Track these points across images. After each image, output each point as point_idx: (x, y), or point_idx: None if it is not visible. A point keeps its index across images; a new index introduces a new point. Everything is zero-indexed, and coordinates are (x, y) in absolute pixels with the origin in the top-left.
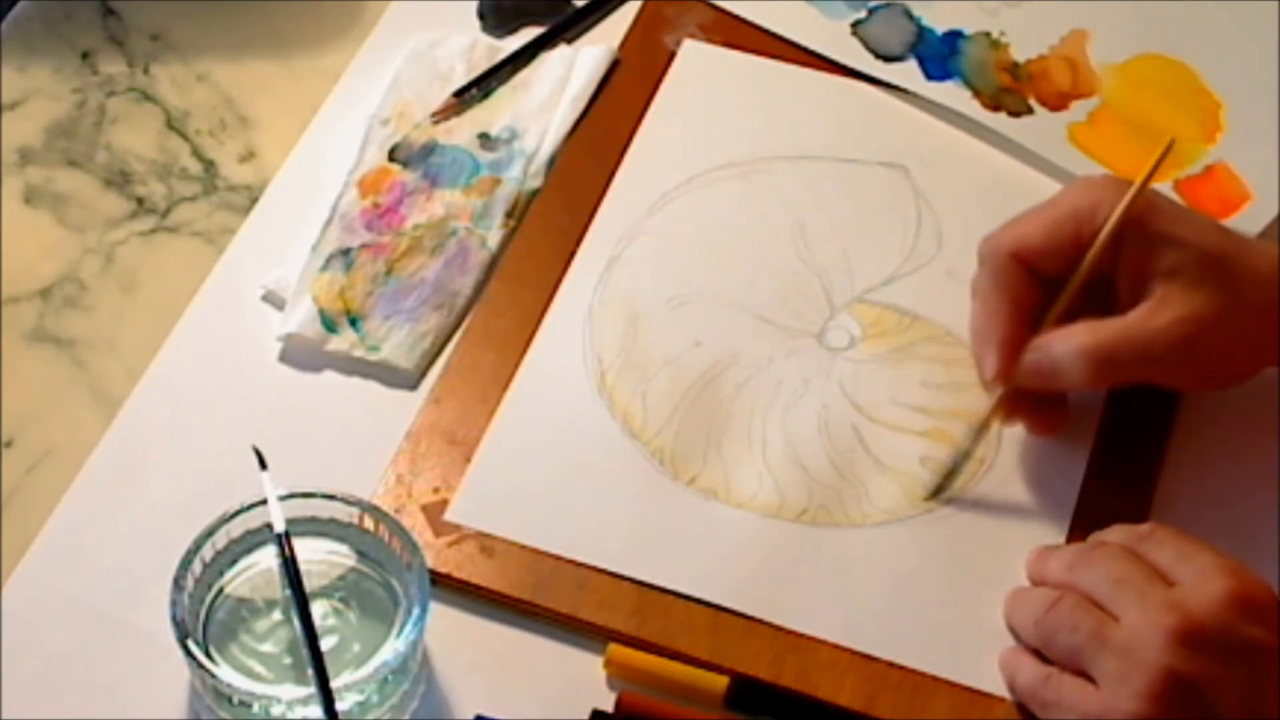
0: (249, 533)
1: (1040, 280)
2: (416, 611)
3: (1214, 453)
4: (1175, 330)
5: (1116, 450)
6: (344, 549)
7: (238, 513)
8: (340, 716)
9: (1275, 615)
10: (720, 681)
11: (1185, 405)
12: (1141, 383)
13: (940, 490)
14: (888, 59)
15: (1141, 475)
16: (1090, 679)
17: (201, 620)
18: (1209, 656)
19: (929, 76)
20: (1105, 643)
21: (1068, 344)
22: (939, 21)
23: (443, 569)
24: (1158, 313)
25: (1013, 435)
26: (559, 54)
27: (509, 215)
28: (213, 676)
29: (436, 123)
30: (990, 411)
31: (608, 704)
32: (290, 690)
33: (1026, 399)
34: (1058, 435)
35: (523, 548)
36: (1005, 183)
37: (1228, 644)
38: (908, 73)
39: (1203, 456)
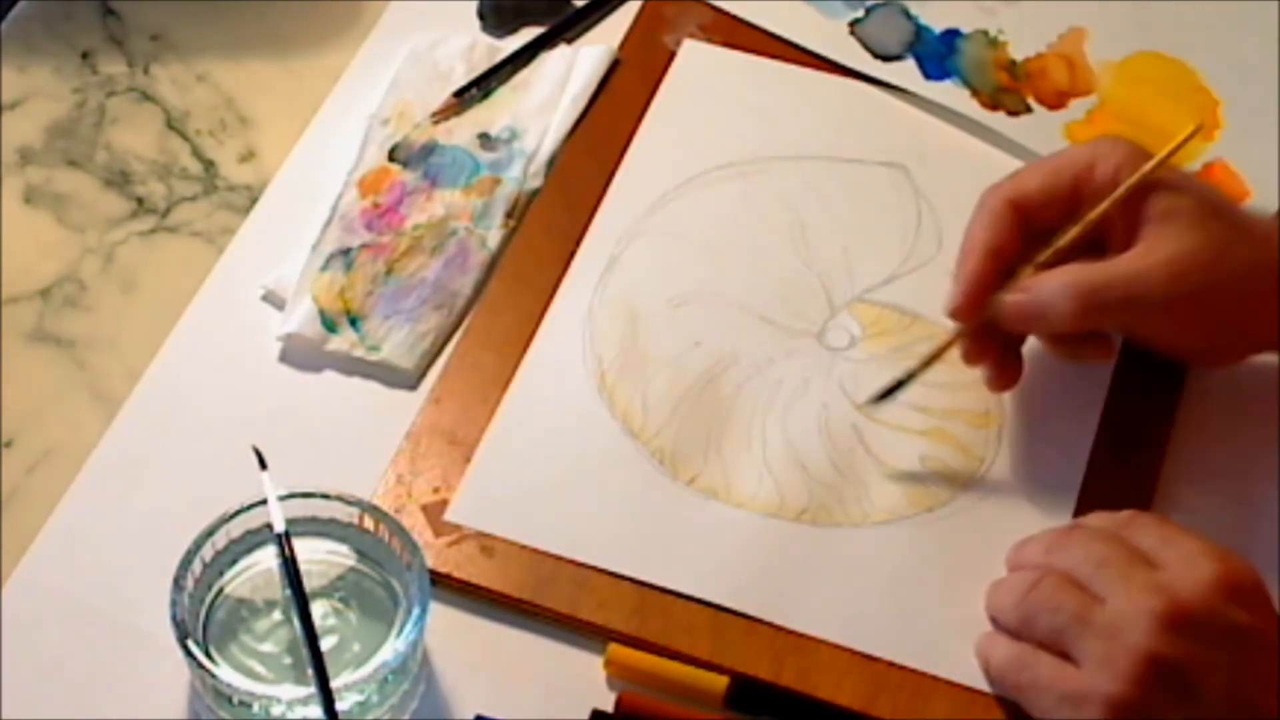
0: (249, 533)
1: (1029, 232)
2: (416, 611)
3: (1214, 455)
4: (1164, 269)
5: (1117, 450)
6: (344, 549)
7: (238, 513)
8: (340, 716)
9: (1261, 600)
10: (720, 681)
11: (1185, 406)
12: (1131, 335)
13: (880, 399)
14: (886, 58)
15: (1142, 475)
16: (1070, 660)
17: (201, 620)
18: (1194, 640)
19: (927, 76)
20: (1089, 624)
21: (1056, 282)
22: (937, 20)
23: (443, 569)
24: (1149, 252)
25: (1013, 435)
26: (559, 54)
27: (509, 215)
28: (213, 676)
29: (436, 123)
30: (945, 341)
31: (608, 704)
32: (290, 690)
33: (988, 344)
34: (1010, 388)
35: (523, 548)
36: None
37: (1213, 628)
38: (906, 72)
39: (1203, 458)
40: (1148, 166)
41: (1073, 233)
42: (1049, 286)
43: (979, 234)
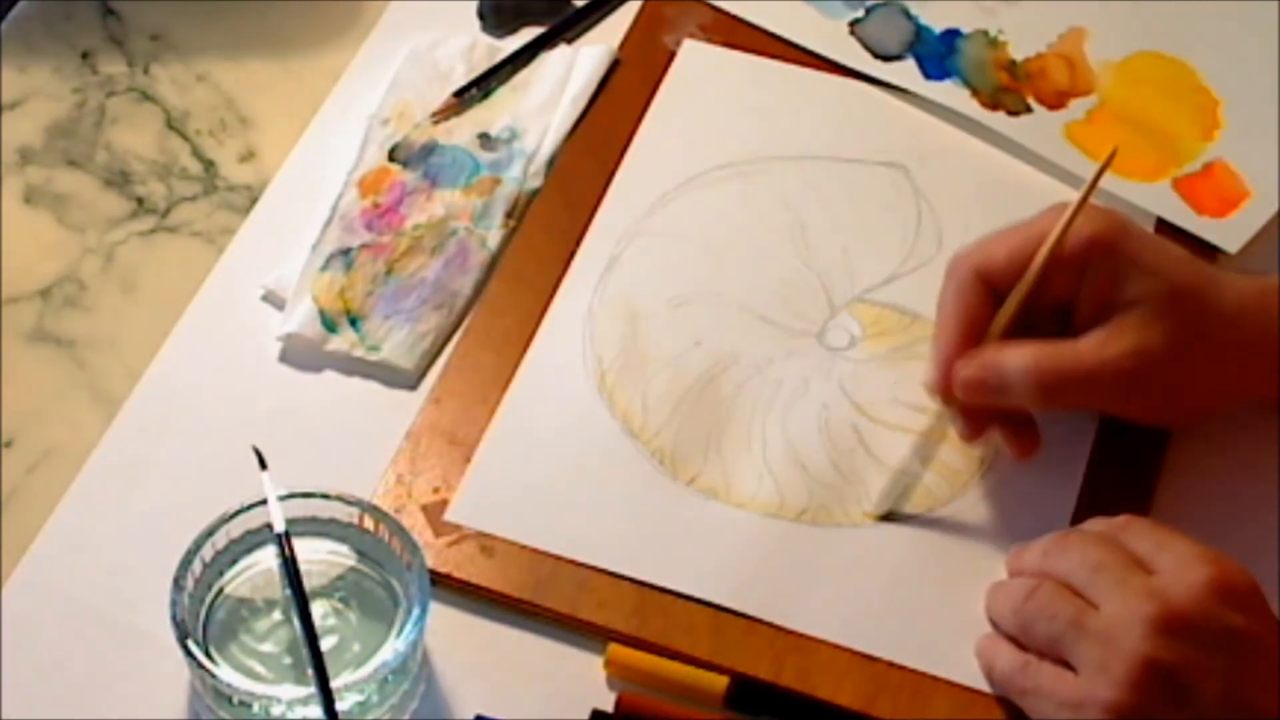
0: (249, 533)
1: (999, 301)
2: (416, 611)
3: (1215, 453)
4: (1126, 362)
5: (1116, 451)
6: (344, 549)
7: (238, 513)
8: (340, 716)
9: (1256, 603)
10: (720, 681)
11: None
12: (1088, 409)
13: (891, 516)
14: (886, 58)
15: (1141, 476)
16: (1069, 667)
17: (201, 620)
18: (1189, 644)
19: (927, 76)
20: (1084, 630)
21: (1017, 361)
22: (937, 20)
23: (443, 569)
24: (1111, 342)
25: None
26: (559, 54)
27: (509, 215)
28: (213, 676)
29: (436, 123)
30: (930, 429)
31: (608, 704)
32: (290, 690)
33: (984, 418)
34: (1038, 455)
35: (523, 548)
36: (1004, 182)
37: (1208, 632)
38: (906, 72)
39: (1203, 458)
40: (1071, 208)
41: (1020, 292)
42: (1010, 364)
43: (949, 308)
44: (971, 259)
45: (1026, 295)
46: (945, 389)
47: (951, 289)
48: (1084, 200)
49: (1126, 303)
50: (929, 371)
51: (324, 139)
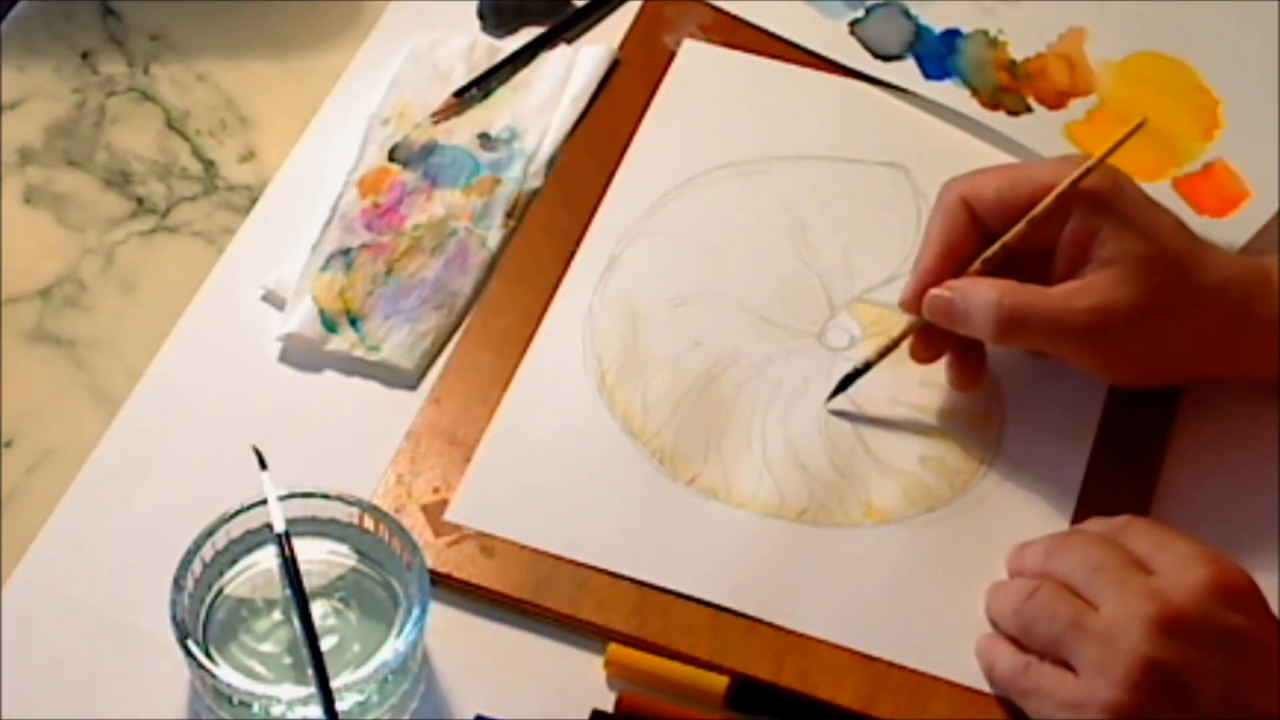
0: (249, 533)
1: (983, 232)
2: (416, 611)
3: (1215, 454)
4: (1089, 317)
5: (1116, 451)
6: (344, 549)
7: (238, 513)
8: (340, 716)
9: (1255, 603)
10: (720, 681)
11: (1185, 406)
12: (1043, 355)
13: (836, 392)
14: (886, 58)
15: (1142, 476)
16: (1070, 667)
17: (201, 620)
18: (1189, 645)
19: (927, 76)
20: (1084, 631)
21: (983, 293)
22: (937, 20)
23: (443, 569)
24: (1079, 295)
25: (1013, 436)
26: (559, 54)
27: (509, 215)
28: (213, 676)
29: (436, 123)
30: (899, 334)
31: (608, 704)
32: (290, 690)
33: (939, 342)
34: (975, 389)
35: (523, 548)
36: None
37: (1208, 632)
38: (906, 72)
39: (1203, 458)
40: (1082, 168)
41: (1010, 236)
42: (977, 296)
43: (933, 230)
44: (959, 187)
45: (1015, 240)
46: (914, 306)
47: (939, 213)
48: (1105, 157)
49: (1104, 259)
50: (905, 284)
51: (324, 139)
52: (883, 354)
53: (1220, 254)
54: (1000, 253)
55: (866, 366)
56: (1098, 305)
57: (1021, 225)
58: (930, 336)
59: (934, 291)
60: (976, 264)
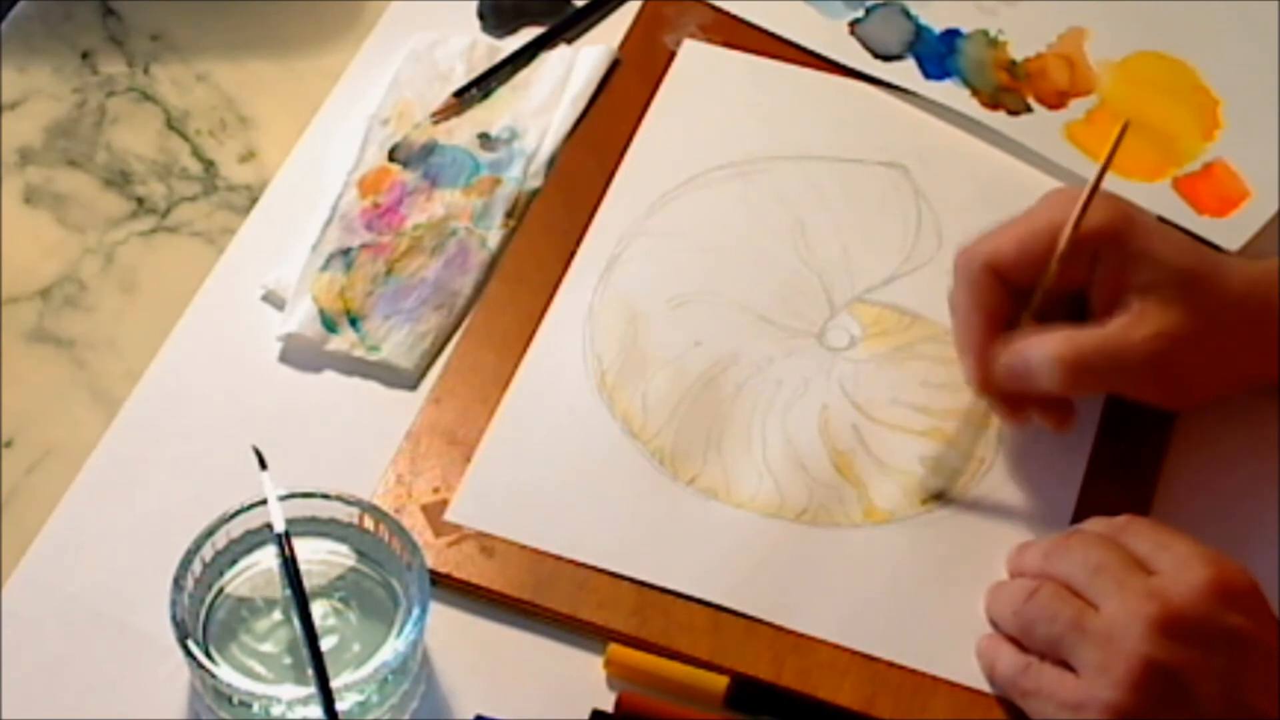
0: (249, 533)
1: (1013, 291)
2: (416, 611)
3: (1215, 453)
4: (1152, 344)
5: (1116, 451)
6: (344, 549)
7: (238, 513)
8: (340, 716)
9: (1255, 603)
10: (720, 681)
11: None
12: (1112, 393)
13: (943, 494)
14: (886, 58)
15: (1141, 476)
16: (1070, 668)
17: (201, 620)
18: (1189, 645)
19: (927, 75)
20: (1085, 632)
21: (1044, 350)
22: (937, 20)
23: (443, 569)
24: (1136, 326)
25: (1013, 436)
26: (559, 54)
27: (509, 215)
28: (213, 676)
29: (436, 123)
30: (985, 414)
31: (608, 704)
32: (290, 690)
33: (1022, 400)
34: (1070, 429)
35: (523, 548)
36: (1005, 182)
37: (1208, 632)
38: (906, 72)
39: (1203, 457)
40: (1086, 191)
41: (1046, 283)
42: (1038, 354)
43: (969, 305)
44: (981, 254)
45: (1050, 286)
46: (984, 381)
47: (966, 286)
48: (1096, 186)
49: (1141, 288)
50: (966, 369)
51: (324, 139)
52: (977, 436)
53: (1234, 262)
54: (1042, 300)
55: (967, 457)
56: (1156, 331)
57: (1053, 265)
58: (1010, 398)
59: (1001, 361)
60: (1026, 319)
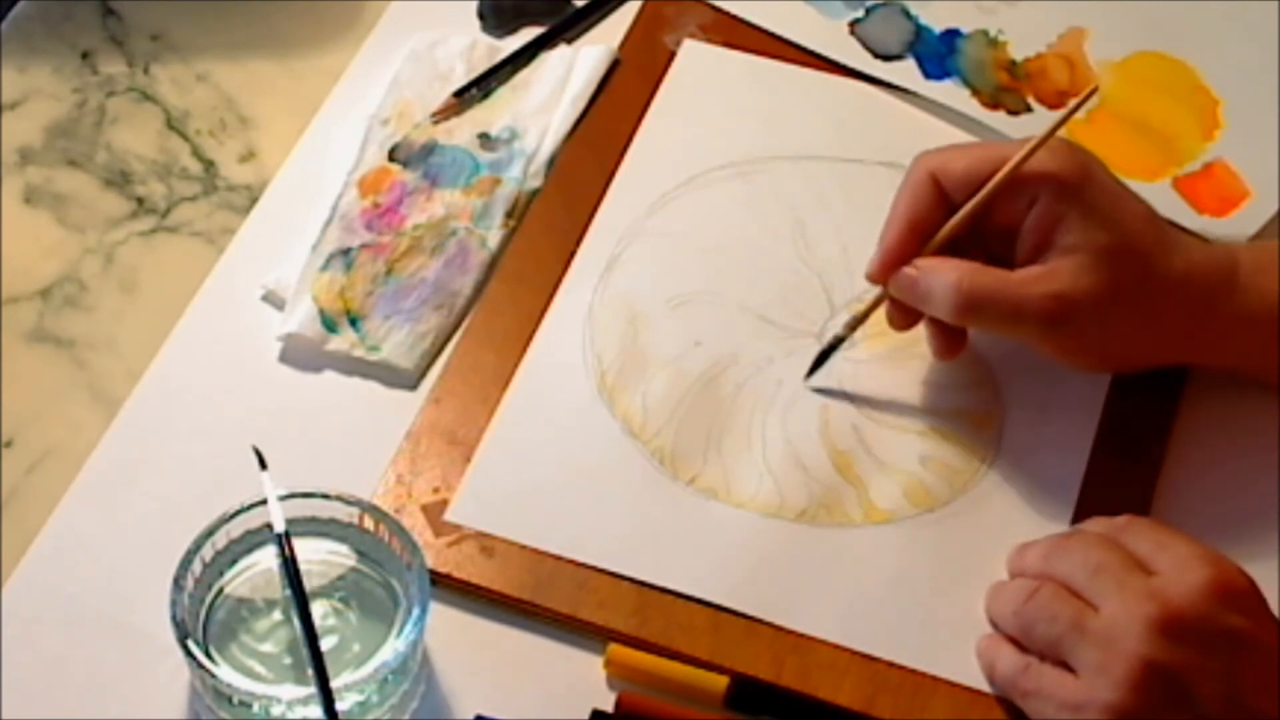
0: (249, 533)
1: (950, 208)
2: (416, 611)
3: (1215, 455)
4: (1048, 303)
5: (1116, 451)
6: (344, 549)
7: (238, 513)
8: (340, 716)
9: (1254, 604)
10: (720, 681)
11: (1185, 409)
12: (1007, 337)
13: (813, 370)
14: (886, 58)
15: (1142, 476)
16: (1070, 668)
17: (201, 620)
18: (1189, 646)
19: (927, 75)
20: (1085, 632)
21: (945, 275)
22: (937, 20)
23: (443, 569)
24: (1039, 282)
25: (1013, 436)
26: (559, 54)
27: (509, 215)
28: (213, 676)
29: (436, 123)
30: (866, 306)
31: (608, 704)
32: (290, 690)
33: (912, 311)
34: (954, 358)
35: (523, 548)
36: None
37: (1207, 633)
38: (906, 72)
39: (1204, 458)
40: (1035, 140)
41: (966, 210)
42: (938, 277)
43: (901, 203)
44: (930, 162)
45: (975, 212)
46: (881, 278)
47: (907, 186)
48: (1052, 131)
49: (1067, 247)
50: (872, 258)
51: (324, 139)
52: (853, 326)
53: (1188, 245)
54: (963, 226)
55: (839, 340)
56: (1056, 293)
57: (979, 198)
58: (903, 306)
59: (904, 270)
60: (939, 237)
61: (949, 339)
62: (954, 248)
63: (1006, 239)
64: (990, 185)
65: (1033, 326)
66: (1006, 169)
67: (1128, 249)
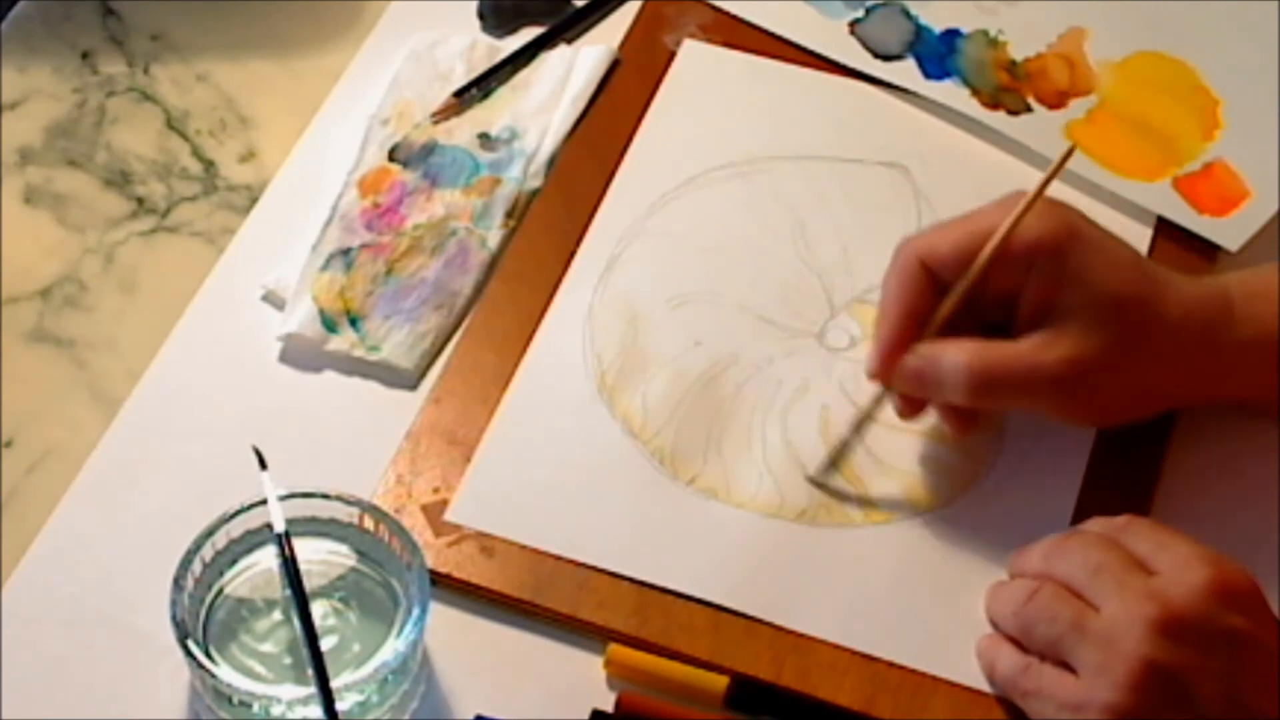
0: (249, 533)
1: (942, 288)
2: (416, 611)
3: (1214, 454)
4: (1060, 369)
5: (1116, 453)
6: (344, 549)
7: (238, 513)
8: (340, 716)
9: (1255, 604)
10: (720, 681)
11: (1185, 411)
12: (1019, 409)
13: (825, 478)
14: (886, 58)
15: (1141, 477)
16: (1070, 668)
17: (201, 620)
18: (1189, 646)
19: (927, 75)
20: (1085, 633)
21: (952, 359)
22: (937, 20)
23: (443, 569)
24: (1048, 347)
25: (1013, 436)
26: (559, 54)
27: (509, 215)
28: (213, 676)
29: (436, 123)
30: (871, 403)
31: (608, 704)
32: (290, 690)
33: (919, 400)
34: (970, 434)
35: (523, 548)
36: (1005, 182)
37: (1208, 633)
38: (906, 72)
39: (1203, 457)
40: (1018, 210)
41: (960, 289)
42: (946, 361)
43: (891, 295)
44: (915, 248)
45: (969, 290)
46: (884, 376)
47: (895, 275)
48: (1034, 199)
49: (1068, 308)
50: (869, 355)
51: (324, 139)
52: (857, 427)
53: (1180, 284)
54: (958, 305)
55: (845, 445)
56: (1067, 356)
57: (971, 274)
58: (908, 396)
59: (904, 361)
60: (936, 320)
61: (964, 418)
62: (949, 326)
63: (1002, 308)
64: (981, 260)
65: (1048, 393)
66: (994, 241)
67: (1125, 299)
